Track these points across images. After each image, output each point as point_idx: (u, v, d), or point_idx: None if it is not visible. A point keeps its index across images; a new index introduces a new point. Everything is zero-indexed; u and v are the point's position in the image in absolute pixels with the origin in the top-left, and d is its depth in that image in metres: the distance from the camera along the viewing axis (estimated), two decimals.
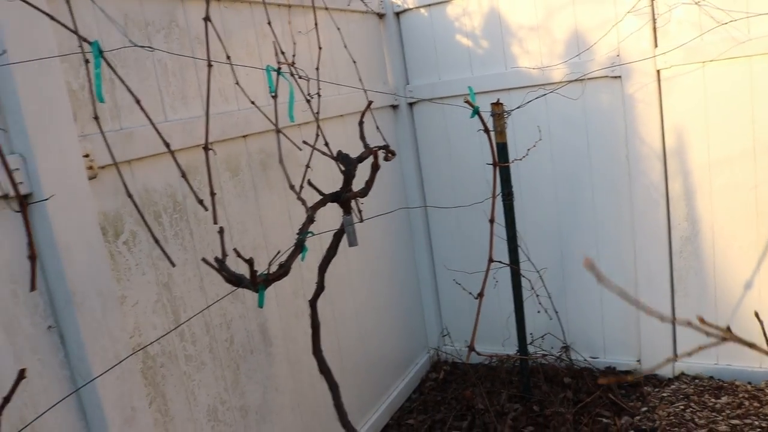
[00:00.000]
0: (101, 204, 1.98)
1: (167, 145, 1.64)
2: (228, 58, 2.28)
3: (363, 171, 2.57)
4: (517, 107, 3.57)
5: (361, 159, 2.38)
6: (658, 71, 3.36)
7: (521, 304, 3.50)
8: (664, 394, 3.54)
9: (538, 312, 3.85)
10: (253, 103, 2.36)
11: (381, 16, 3.94)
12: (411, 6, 3.91)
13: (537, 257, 3.83)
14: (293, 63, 2.45)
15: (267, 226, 2.75)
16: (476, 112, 2.80)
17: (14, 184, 1.32)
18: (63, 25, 1.50)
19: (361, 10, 3.68)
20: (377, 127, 3.13)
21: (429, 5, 3.87)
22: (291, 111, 2.34)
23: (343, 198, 2.28)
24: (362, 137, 2.53)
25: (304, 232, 2.05)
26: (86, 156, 1.90)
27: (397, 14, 3.99)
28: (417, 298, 4.26)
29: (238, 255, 1.74)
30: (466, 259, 4.16)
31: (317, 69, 2.82)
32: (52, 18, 1.50)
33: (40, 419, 1.73)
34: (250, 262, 1.74)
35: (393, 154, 2.62)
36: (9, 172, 1.34)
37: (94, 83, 1.55)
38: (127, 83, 1.83)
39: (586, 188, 3.70)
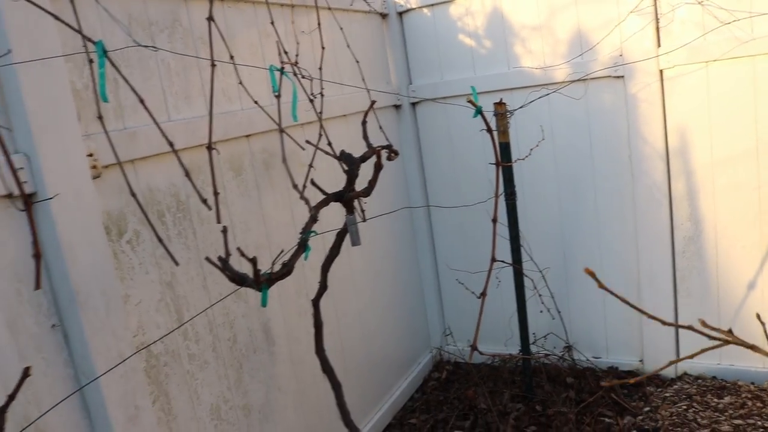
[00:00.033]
0: (105, 203, 1.99)
1: (171, 144, 1.65)
2: (231, 57, 2.28)
3: (366, 171, 2.57)
4: (520, 107, 3.57)
5: (364, 158, 2.39)
6: (661, 71, 3.36)
7: (524, 303, 3.51)
8: (667, 394, 3.54)
9: (541, 312, 3.85)
10: (256, 102, 2.36)
11: (384, 15, 3.94)
12: (414, 6, 3.92)
13: (539, 257, 3.83)
14: (296, 63, 2.45)
15: (270, 226, 2.76)
16: (479, 111, 2.81)
17: (19, 183, 1.33)
18: (67, 24, 1.50)
19: (364, 10, 3.69)
20: (380, 127, 3.13)
21: (432, 5, 3.87)
22: (294, 110, 2.35)
23: (346, 197, 2.28)
24: (365, 137, 2.53)
25: (307, 231, 2.06)
26: (90, 155, 1.91)
27: (400, 14, 3.99)
28: (420, 298, 4.26)
29: (242, 254, 1.74)
30: (468, 258, 4.16)
31: (320, 69, 2.82)
32: (56, 18, 1.50)
33: (44, 417, 1.74)
34: (253, 261, 1.75)
35: (396, 153, 2.63)
36: (14, 171, 1.34)
37: (98, 83, 1.55)
38: (131, 83, 1.84)
39: (589, 188, 3.70)
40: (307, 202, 2.20)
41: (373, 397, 3.58)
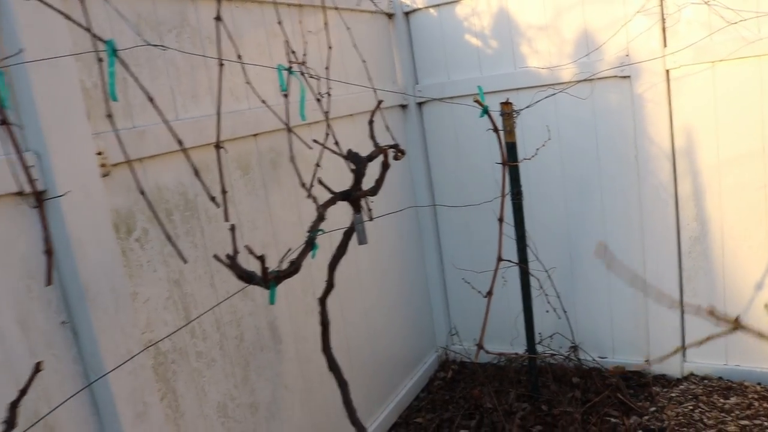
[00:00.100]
0: (114, 201, 2.00)
1: (180, 142, 1.66)
2: (239, 57, 2.29)
3: (372, 170, 2.58)
4: (527, 107, 3.57)
5: (371, 158, 2.40)
6: (668, 71, 3.36)
7: (530, 303, 3.51)
8: (673, 394, 3.53)
9: (547, 311, 3.85)
10: (263, 102, 2.38)
11: (390, 15, 3.95)
12: (420, 6, 3.93)
13: (545, 257, 3.84)
14: (304, 62, 2.46)
15: (277, 225, 2.77)
16: (485, 111, 2.81)
17: (31, 181, 1.34)
18: (78, 24, 1.52)
19: (371, 10, 3.70)
20: (387, 127, 3.14)
21: (438, 5, 3.88)
22: (302, 110, 2.36)
23: (354, 196, 2.29)
24: (372, 136, 2.54)
25: (314, 230, 2.07)
26: (99, 154, 1.92)
27: (407, 14, 4.00)
28: (426, 298, 4.27)
29: (250, 252, 1.76)
30: (474, 258, 4.16)
31: (327, 68, 2.83)
32: (67, 17, 1.51)
33: (54, 413, 1.75)
34: (261, 259, 1.76)
35: (403, 153, 2.64)
36: (26, 169, 1.36)
37: (107, 82, 1.56)
38: (140, 82, 1.85)
39: (595, 188, 3.71)
40: (315, 200, 2.22)
41: (378, 396, 3.59)
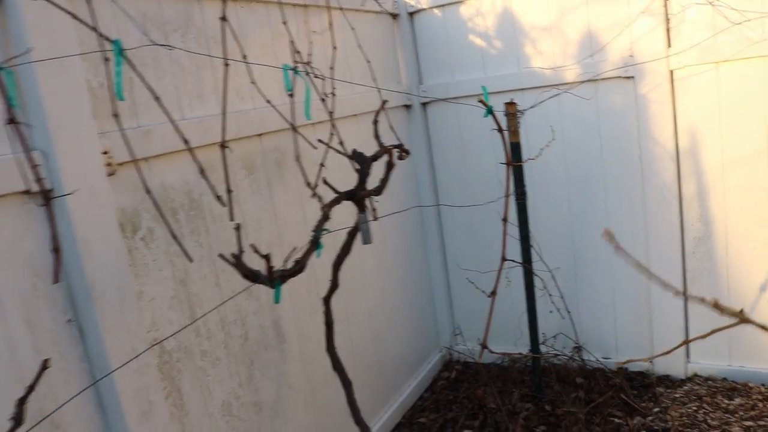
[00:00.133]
0: (119, 200, 2.01)
1: (186, 142, 1.67)
2: (244, 57, 2.30)
3: (377, 170, 2.59)
4: (531, 107, 3.58)
5: (375, 157, 2.40)
6: (672, 71, 3.37)
7: (534, 303, 3.51)
8: (677, 395, 3.53)
9: (551, 312, 3.85)
10: (268, 102, 2.38)
11: (395, 16, 3.96)
12: (424, 6, 3.93)
13: (549, 257, 3.83)
14: (309, 62, 2.47)
15: (281, 224, 2.78)
16: (490, 111, 2.82)
17: (39, 179, 1.35)
18: (85, 23, 1.52)
19: (375, 10, 3.70)
20: (391, 127, 3.14)
21: (442, 5, 3.89)
22: (308, 109, 2.36)
23: (358, 196, 2.30)
24: (377, 136, 2.55)
25: (319, 229, 2.07)
26: (105, 153, 1.93)
27: (411, 14, 4.01)
28: (429, 298, 4.27)
29: (255, 251, 1.76)
30: (478, 258, 4.17)
31: (331, 68, 2.84)
32: (75, 17, 1.52)
33: (60, 411, 1.76)
34: (266, 258, 1.76)
35: (407, 152, 2.64)
36: (34, 167, 1.37)
37: (114, 81, 1.57)
38: (142, 82, 1.86)
39: (599, 189, 3.71)
40: (320, 199, 2.22)
41: (382, 396, 3.59)
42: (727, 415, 3.29)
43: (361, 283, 3.41)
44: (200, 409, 2.29)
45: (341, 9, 3.23)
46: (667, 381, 3.70)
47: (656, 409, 3.43)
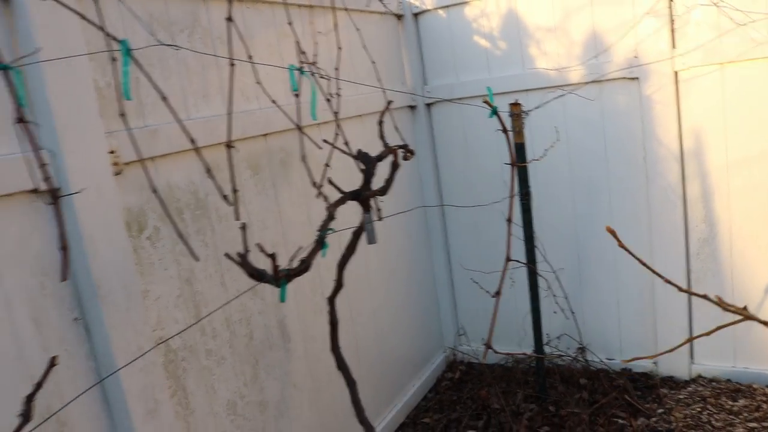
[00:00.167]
0: (126, 199, 2.02)
1: (193, 141, 1.68)
2: (250, 57, 2.31)
3: (381, 170, 2.59)
4: (535, 107, 3.58)
5: (380, 158, 2.41)
6: (676, 72, 3.37)
7: (538, 303, 3.51)
8: (681, 396, 3.53)
9: (555, 312, 3.86)
10: (274, 102, 2.39)
11: (399, 17, 3.97)
12: (429, 7, 3.94)
13: (553, 258, 3.84)
14: (315, 62, 2.48)
15: (286, 224, 2.79)
16: (494, 112, 2.82)
17: (47, 178, 1.36)
18: (93, 23, 1.53)
19: (380, 11, 3.71)
20: (396, 127, 3.16)
21: (447, 6, 3.90)
22: (313, 109, 2.37)
23: (363, 196, 2.30)
24: (382, 136, 2.55)
25: (324, 229, 2.08)
26: (112, 152, 1.94)
27: (416, 15, 4.02)
28: (433, 298, 4.28)
29: (261, 250, 1.77)
30: (482, 259, 4.17)
31: (336, 69, 2.85)
32: (82, 17, 1.53)
33: (66, 409, 1.77)
34: (272, 257, 1.77)
35: (412, 153, 2.65)
36: (43, 166, 1.38)
37: (121, 81, 1.58)
38: (149, 82, 1.87)
39: (603, 190, 3.71)
40: (326, 198, 2.23)
41: (386, 396, 3.60)
42: (731, 416, 3.28)
43: (365, 283, 3.42)
44: (205, 408, 2.30)
45: (346, 10, 3.24)
46: (671, 382, 3.70)
47: (660, 411, 3.43)
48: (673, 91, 3.38)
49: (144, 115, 2.11)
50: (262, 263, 1.98)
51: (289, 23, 2.59)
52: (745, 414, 3.28)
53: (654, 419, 3.36)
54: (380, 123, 2.59)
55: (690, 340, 1.50)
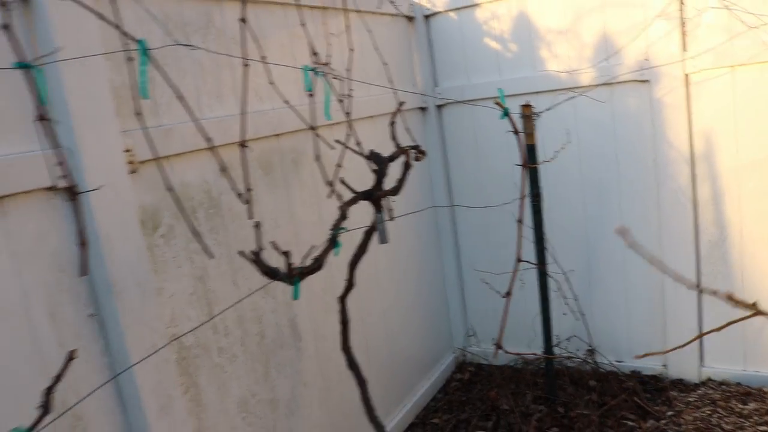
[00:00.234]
0: (140, 198, 2.04)
1: (209, 140, 1.70)
2: (263, 58, 2.33)
3: (392, 172, 2.61)
4: (547, 109, 3.59)
5: (392, 158, 2.42)
6: (687, 75, 3.37)
7: (548, 305, 3.52)
8: (690, 399, 3.53)
9: (564, 314, 3.86)
10: (286, 102, 2.41)
11: (410, 19, 3.98)
12: (440, 9, 3.95)
13: (563, 260, 3.84)
14: (328, 63, 2.50)
15: (298, 224, 2.81)
16: (506, 113, 2.83)
17: (66, 176, 1.38)
18: (112, 24, 1.56)
19: (391, 13, 3.73)
20: (407, 129, 3.17)
21: (458, 9, 3.91)
22: (327, 109, 2.39)
23: (375, 196, 2.32)
24: (394, 137, 2.57)
25: (337, 228, 2.10)
26: (127, 151, 1.96)
27: (427, 17, 4.04)
28: (443, 299, 4.29)
29: (275, 248, 1.79)
30: (492, 260, 4.18)
31: (348, 70, 2.87)
32: (101, 17, 1.56)
33: (81, 404, 1.79)
34: (286, 255, 1.79)
35: (423, 154, 2.66)
36: (62, 164, 1.40)
37: (138, 80, 1.60)
38: (166, 82, 1.89)
39: (613, 192, 3.71)
40: (339, 197, 2.25)
41: (396, 396, 3.61)
42: (741, 419, 3.28)
43: (375, 283, 3.43)
44: (217, 405, 2.32)
45: (358, 11, 3.26)
46: (681, 385, 3.69)
47: (670, 413, 3.43)
48: (684, 93, 3.38)
49: (159, 114, 2.13)
50: (275, 262, 2.00)
51: (302, 24, 2.61)
52: (756, 417, 3.27)
53: (663, 422, 3.36)
54: (392, 124, 2.60)
55: (700, 336, 1.50)
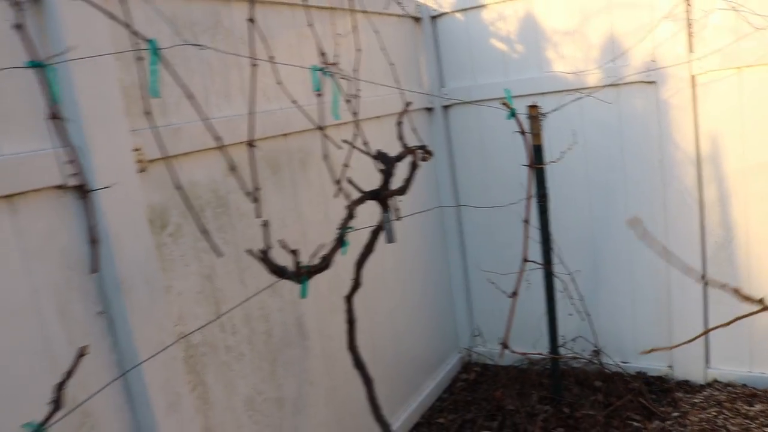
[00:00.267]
0: (149, 196, 2.05)
1: (219, 139, 1.71)
2: (271, 58, 2.34)
3: (399, 172, 2.62)
4: (553, 110, 3.59)
5: (399, 158, 2.43)
6: (694, 76, 3.37)
7: (554, 305, 3.52)
8: (696, 400, 3.53)
9: (570, 315, 3.86)
10: (294, 102, 2.42)
11: (417, 19, 3.99)
12: (447, 10, 3.96)
13: (569, 260, 3.84)
14: (336, 63, 2.51)
15: (305, 224, 2.82)
16: (513, 114, 2.84)
17: (77, 174, 1.40)
18: (123, 24, 1.57)
19: (398, 14, 3.74)
20: (413, 129, 3.18)
21: (465, 9, 3.92)
22: (336, 109, 2.40)
23: (382, 195, 2.33)
24: (401, 137, 2.58)
25: (344, 227, 2.11)
26: (136, 150, 1.98)
27: (433, 18, 4.05)
28: (449, 299, 4.29)
29: (284, 246, 1.80)
30: (497, 260, 4.18)
31: (355, 70, 2.88)
32: (112, 17, 1.57)
33: (90, 400, 1.80)
34: (294, 253, 1.80)
35: (430, 154, 2.67)
36: (73, 162, 1.41)
37: (149, 80, 1.62)
38: (175, 81, 1.91)
39: (619, 193, 3.71)
40: (347, 196, 2.26)
41: (401, 395, 3.62)
42: (747, 421, 3.28)
43: (381, 283, 3.44)
44: (224, 402, 2.33)
45: (365, 12, 3.27)
46: (687, 386, 3.69)
47: (675, 414, 3.43)
48: (690, 95, 3.38)
49: (167, 113, 2.14)
50: (282, 261, 2.01)
51: (310, 25, 2.62)
52: (762, 419, 3.27)
53: (669, 422, 3.36)
54: (399, 124, 2.61)
55: (708, 330, 1.51)
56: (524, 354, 3.20)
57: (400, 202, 2.58)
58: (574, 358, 3.91)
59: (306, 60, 2.83)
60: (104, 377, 1.87)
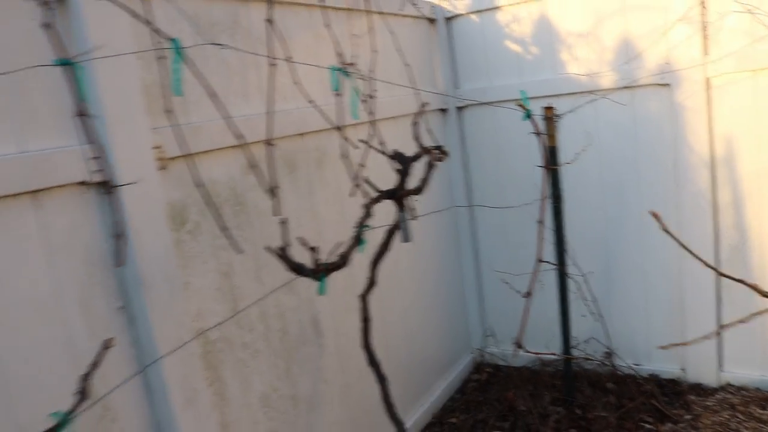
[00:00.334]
0: (168, 194, 2.08)
1: (240, 137, 1.73)
2: (289, 58, 2.36)
3: (415, 171, 2.63)
4: (569, 111, 3.60)
5: (416, 158, 2.45)
6: (708, 79, 3.37)
7: (567, 306, 3.52)
8: (709, 403, 3.52)
9: (583, 316, 3.86)
10: (311, 102, 2.44)
11: (432, 21, 4.01)
12: (462, 12, 3.98)
13: (582, 262, 3.85)
14: (354, 63, 2.53)
15: (321, 222, 2.84)
16: (528, 115, 2.85)
17: (101, 170, 1.42)
18: (147, 23, 1.59)
19: (413, 15, 3.76)
20: (428, 129, 3.19)
21: (479, 11, 3.93)
22: (355, 109, 2.42)
23: (399, 195, 2.34)
24: (417, 137, 2.60)
25: (361, 225, 2.13)
26: (157, 147, 2.00)
27: (448, 19, 4.06)
28: (462, 299, 4.31)
29: (303, 244, 1.82)
30: (510, 261, 4.19)
31: (371, 71, 2.89)
32: (135, 16, 1.59)
33: (110, 394, 1.83)
34: (314, 250, 1.82)
35: (446, 154, 2.68)
36: (97, 159, 1.44)
37: (171, 78, 1.64)
38: (195, 80, 1.93)
39: (633, 194, 3.71)
40: (365, 194, 2.27)
41: (414, 395, 3.63)
42: (761, 424, 3.27)
43: (396, 282, 3.46)
44: (240, 399, 2.35)
45: (381, 13, 3.29)
46: (699, 389, 3.69)
47: (688, 417, 3.43)
48: (705, 97, 3.38)
49: (188, 112, 2.17)
50: (299, 259, 2.03)
51: (327, 26, 2.65)
52: None
53: (681, 425, 3.36)
54: (415, 124, 2.63)
55: (724, 327, 1.52)
56: (537, 354, 3.20)
57: (416, 201, 2.60)
58: (587, 359, 3.92)
59: (323, 60, 2.86)
60: (124, 372, 1.90)
